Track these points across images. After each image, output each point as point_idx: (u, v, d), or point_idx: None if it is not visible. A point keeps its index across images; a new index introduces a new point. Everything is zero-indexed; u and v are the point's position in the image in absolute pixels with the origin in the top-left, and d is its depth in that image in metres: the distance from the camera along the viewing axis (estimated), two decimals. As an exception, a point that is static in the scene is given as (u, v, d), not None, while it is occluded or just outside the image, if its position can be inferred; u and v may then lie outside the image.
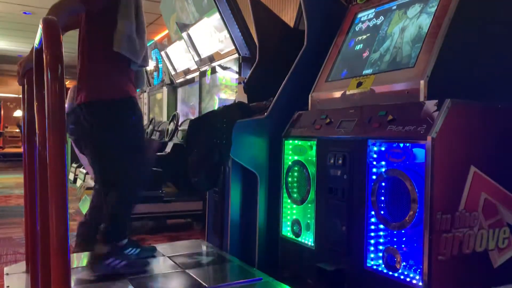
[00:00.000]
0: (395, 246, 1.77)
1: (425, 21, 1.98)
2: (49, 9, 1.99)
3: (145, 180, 2.35)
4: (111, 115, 2.18)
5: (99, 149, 2.27)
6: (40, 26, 1.37)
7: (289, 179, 2.37)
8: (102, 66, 2.18)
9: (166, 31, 6.01)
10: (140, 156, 2.27)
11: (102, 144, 2.24)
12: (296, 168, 2.34)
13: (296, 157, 2.36)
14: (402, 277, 1.72)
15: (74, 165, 7.25)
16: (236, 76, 4.13)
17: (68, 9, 2.07)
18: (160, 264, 2.40)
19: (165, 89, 6.31)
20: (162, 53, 6.13)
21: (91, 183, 4.65)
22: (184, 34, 5.00)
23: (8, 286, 2.10)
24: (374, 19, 2.34)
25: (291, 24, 3.35)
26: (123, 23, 2.15)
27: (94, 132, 2.24)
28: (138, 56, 2.21)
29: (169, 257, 2.49)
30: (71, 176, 7.20)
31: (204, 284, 2.10)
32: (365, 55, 2.25)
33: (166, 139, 4.65)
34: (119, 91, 2.18)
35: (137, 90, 2.49)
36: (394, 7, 2.24)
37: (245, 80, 3.06)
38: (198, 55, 5.02)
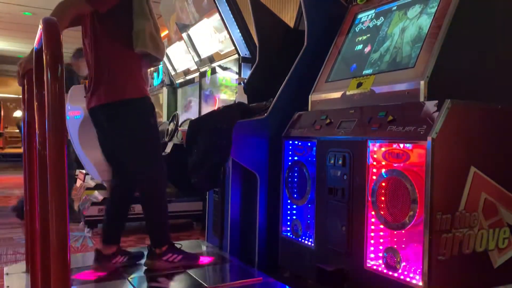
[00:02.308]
0: (395, 246, 1.77)
1: (425, 21, 1.98)
2: (54, 8, 1.98)
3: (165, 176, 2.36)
4: (133, 115, 2.18)
5: (122, 149, 2.27)
6: (40, 26, 1.37)
7: (289, 179, 2.37)
8: (118, 67, 2.16)
9: (166, 32, 6.00)
10: (159, 152, 2.33)
11: (125, 144, 2.25)
12: (296, 169, 2.34)
13: (296, 158, 2.36)
14: (402, 277, 1.72)
15: (74, 165, 7.23)
16: (236, 76, 4.13)
17: (74, 9, 2.06)
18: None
19: (165, 89, 6.31)
20: (162, 53, 6.13)
21: (91, 183, 4.64)
22: (184, 35, 4.99)
23: (8, 286, 2.10)
24: (374, 19, 2.34)
25: (291, 24, 3.35)
26: (142, 22, 2.14)
27: (115, 133, 2.24)
28: (162, 53, 2.23)
29: (169, 257, 2.49)
30: (71, 176, 7.18)
31: (204, 284, 2.10)
32: (365, 55, 2.25)
33: (166, 140, 4.65)
34: (138, 90, 2.18)
35: None
36: (394, 8, 2.24)
37: (245, 81, 3.06)
38: (198, 55, 5.01)
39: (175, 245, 2.36)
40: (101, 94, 2.17)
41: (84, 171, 5.94)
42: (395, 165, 1.77)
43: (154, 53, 2.17)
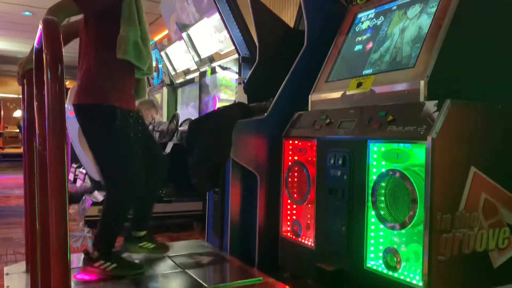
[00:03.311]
0: (395, 246, 1.77)
1: (425, 21, 1.98)
2: (46, 12, 1.98)
3: (128, 191, 2.23)
4: (90, 120, 2.18)
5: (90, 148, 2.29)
6: (40, 26, 1.37)
7: (289, 179, 2.37)
8: (91, 70, 2.15)
9: (166, 31, 6.01)
10: (122, 165, 2.20)
11: (88, 145, 2.26)
12: (296, 169, 2.34)
13: (296, 158, 2.36)
14: (402, 277, 1.72)
15: (74, 165, 7.24)
16: (236, 76, 4.13)
17: (65, 12, 2.05)
18: (160, 264, 2.40)
19: (165, 89, 6.31)
20: (162, 53, 6.13)
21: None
22: (184, 34, 4.99)
23: (8, 286, 2.10)
24: (374, 19, 2.34)
25: (291, 24, 3.35)
26: (128, 29, 2.12)
27: (83, 133, 2.26)
28: (145, 62, 2.19)
29: (169, 257, 2.49)
30: (71, 176, 7.19)
31: (204, 284, 2.10)
32: (365, 55, 2.25)
33: (166, 140, 4.65)
34: (101, 97, 2.14)
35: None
36: (394, 8, 2.24)
37: (245, 81, 3.06)
38: (198, 55, 5.02)
39: (115, 253, 2.25)
40: (74, 94, 2.19)
41: (84, 171, 5.94)
42: (395, 165, 1.77)
43: (135, 61, 2.15)
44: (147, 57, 2.21)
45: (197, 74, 5.20)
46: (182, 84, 5.96)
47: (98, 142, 2.21)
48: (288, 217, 2.40)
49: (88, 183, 4.57)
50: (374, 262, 1.86)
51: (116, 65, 2.16)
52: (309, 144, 2.28)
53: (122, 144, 2.23)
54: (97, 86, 2.16)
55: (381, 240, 1.84)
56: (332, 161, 2.05)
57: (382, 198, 1.80)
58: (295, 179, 2.35)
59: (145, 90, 2.43)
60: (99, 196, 4.08)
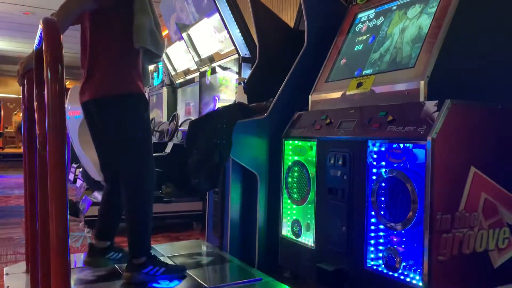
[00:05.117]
0: (395, 246, 1.77)
1: (425, 21, 1.98)
2: (59, 7, 1.96)
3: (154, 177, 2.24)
4: (124, 110, 2.12)
5: (112, 145, 2.20)
6: (40, 26, 1.37)
7: (289, 179, 2.37)
8: (115, 62, 2.12)
9: (166, 31, 6.01)
10: (149, 157, 2.21)
11: (115, 140, 2.17)
12: (296, 169, 2.34)
13: (296, 158, 2.36)
14: (402, 277, 1.72)
15: (74, 165, 7.24)
16: (236, 76, 4.13)
17: (80, 7, 2.04)
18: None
19: (165, 89, 6.31)
20: (162, 53, 6.13)
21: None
22: (184, 35, 4.99)
23: (8, 286, 2.10)
24: (374, 19, 2.34)
25: (291, 24, 3.35)
26: (142, 18, 2.10)
27: (106, 128, 2.18)
28: (162, 49, 2.18)
29: (169, 257, 2.49)
30: (71, 176, 7.19)
31: (204, 284, 2.10)
32: (365, 55, 2.25)
33: (166, 140, 4.65)
34: (132, 86, 2.13)
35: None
36: (394, 8, 2.24)
37: (245, 81, 3.06)
38: (198, 55, 5.01)
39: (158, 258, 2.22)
40: (94, 88, 2.13)
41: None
42: (395, 165, 1.77)
43: (153, 49, 2.13)
44: (163, 44, 2.20)
45: (197, 74, 5.20)
46: (182, 84, 5.96)
47: (131, 133, 2.14)
48: (288, 217, 2.40)
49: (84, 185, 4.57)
50: (374, 262, 1.86)
51: (135, 54, 2.15)
52: (309, 144, 2.28)
53: (148, 136, 2.24)
54: (131, 76, 2.14)
55: (381, 240, 1.84)
56: (332, 161, 2.05)
57: (382, 198, 1.81)
58: (295, 179, 2.35)
59: (149, 77, 2.39)
60: (99, 196, 4.08)
